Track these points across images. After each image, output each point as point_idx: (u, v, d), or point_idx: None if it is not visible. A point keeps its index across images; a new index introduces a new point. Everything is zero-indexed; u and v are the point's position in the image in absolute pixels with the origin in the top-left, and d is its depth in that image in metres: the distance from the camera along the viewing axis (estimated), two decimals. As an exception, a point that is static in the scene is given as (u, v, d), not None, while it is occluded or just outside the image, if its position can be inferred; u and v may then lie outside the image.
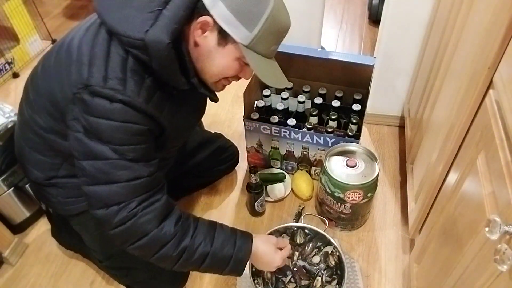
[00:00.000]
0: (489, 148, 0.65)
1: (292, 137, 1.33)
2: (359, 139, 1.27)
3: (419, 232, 1.11)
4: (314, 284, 1.12)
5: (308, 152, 1.37)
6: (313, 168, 1.44)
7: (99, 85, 0.76)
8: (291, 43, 1.38)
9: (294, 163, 1.45)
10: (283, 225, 1.17)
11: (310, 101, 1.37)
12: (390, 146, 1.62)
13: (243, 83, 1.11)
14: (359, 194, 1.18)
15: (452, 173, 0.87)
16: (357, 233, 1.33)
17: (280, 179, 1.45)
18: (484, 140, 0.68)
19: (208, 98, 1.04)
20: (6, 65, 1.98)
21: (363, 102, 1.35)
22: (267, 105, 1.43)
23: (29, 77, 0.97)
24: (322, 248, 1.18)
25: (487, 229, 0.54)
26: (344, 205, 1.22)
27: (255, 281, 1.09)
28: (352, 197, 1.19)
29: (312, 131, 1.28)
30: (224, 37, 0.80)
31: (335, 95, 1.37)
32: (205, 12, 0.78)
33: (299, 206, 1.40)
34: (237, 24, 0.77)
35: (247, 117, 1.35)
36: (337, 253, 1.13)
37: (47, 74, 0.90)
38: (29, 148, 0.99)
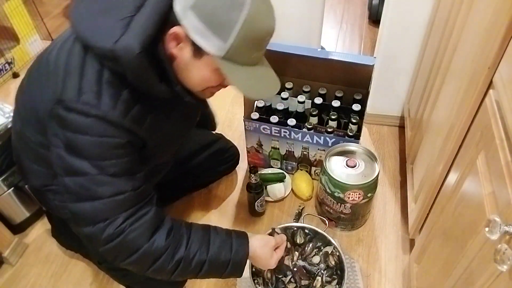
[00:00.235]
0: (489, 148, 0.65)
1: (292, 137, 1.33)
2: (359, 139, 1.27)
3: (419, 232, 1.11)
4: (314, 284, 1.12)
5: (308, 152, 1.37)
6: (313, 168, 1.43)
7: (73, 100, 0.74)
8: (291, 43, 1.38)
9: (294, 163, 1.45)
10: (283, 225, 1.17)
11: (310, 101, 1.37)
12: (390, 146, 1.62)
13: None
14: (359, 194, 1.18)
15: (452, 173, 0.87)
16: (357, 233, 1.33)
17: (280, 179, 1.45)
18: (484, 140, 0.68)
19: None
20: (6, 65, 1.98)
21: (363, 102, 1.34)
22: (267, 105, 1.43)
23: (18, 89, 0.95)
24: (322, 248, 1.18)
25: (487, 229, 0.54)
26: (344, 205, 1.22)
27: (255, 281, 1.09)
28: (352, 197, 1.19)
29: (312, 131, 1.28)
30: (198, 48, 0.74)
31: (335, 95, 1.37)
32: (177, 22, 0.73)
33: (299, 206, 1.40)
34: (209, 35, 0.71)
35: (247, 117, 1.35)
36: (337, 253, 1.13)
37: (30, 87, 0.88)
38: (24, 157, 0.98)
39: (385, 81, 1.54)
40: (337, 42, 2.26)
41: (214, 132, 1.48)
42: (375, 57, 1.24)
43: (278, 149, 1.40)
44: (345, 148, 1.26)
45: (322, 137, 1.28)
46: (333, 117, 1.29)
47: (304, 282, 1.13)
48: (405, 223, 1.34)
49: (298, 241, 1.19)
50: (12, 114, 1.26)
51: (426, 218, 1.04)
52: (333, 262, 1.14)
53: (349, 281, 1.19)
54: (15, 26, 1.98)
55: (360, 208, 1.25)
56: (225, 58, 0.74)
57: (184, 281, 1.21)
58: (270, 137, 1.36)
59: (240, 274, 0.95)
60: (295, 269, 1.16)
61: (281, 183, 1.44)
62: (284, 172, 1.46)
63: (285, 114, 1.40)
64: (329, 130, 1.27)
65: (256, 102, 1.41)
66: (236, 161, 1.49)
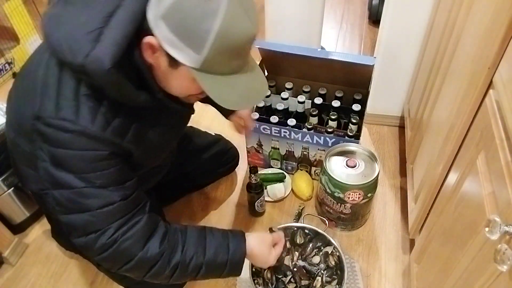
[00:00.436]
0: (489, 148, 0.65)
1: (292, 137, 1.33)
2: (359, 139, 1.27)
3: (419, 232, 1.11)
4: (314, 284, 1.12)
5: (308, 152, 1.37)
6: (313, 168, 1.43)
7: (50, 116, 0.72)
8: (291, 43, 1.38)
9: (294, 163, 1.45)
10: (283, 225, 1.17)
11: (310, 101, 1.37)
12: (390, 146, 1.62)
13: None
14: (359, 194, 1.18)
15: (452, 173, 0.87)
16: (357, 233, 1.33)
17: (280, 179, 1.45)
18: (484, 140, 0.68)
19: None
20: (6, 65, 1.98)
21: (363, 102, 1.34)
22: (267, 105, 1.43)
23: (7, 99, 0.93)
24: (322, 248, 1.18)
25: (487, 229, 0.54)
26: (344, 205, 1.22)
27: (255, 281, 1.09)
28: (352, 197, 1.19)
29: (312, 131, 1.28)
30: (173, 59, 0.70)
31: (335, 95, 1.37)
32: (151, 31, 0.68)
33: (299, 206, 1.40)
34: (182, 46, 0.67)
35: (247, 117, 1.35)
36: (337, 253, 1.13)
37: (15, 101, 0.87)
38: (20, 162, 0.97)
39: (385, 81, 1.54)
40: (337, 42, 2.26)
41: (213, 133, 1.48)
42: (375, 57, 1.24)
43: (278, 149, 1.41)
44: (345, 148, 1.26)
45: (322, 137, 1.28)
46: (333, 117, 1.29)
47: (304, 282, 1.13)
48: (405, 223, 1.34)
49: (298, 241, 1.19)
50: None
51: (426, 218, 1.04)
52: (333, 262, 1.14)
53: (349, 281, 1.19)
54: (15, 26, 1.97)
55: (360, 208, 1.25)
56: (201, 69, 0.69)
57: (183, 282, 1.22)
58: (270, 137, 1.37)
59: (239, 273, 0.95)
60: (295, 269, 1.16)
61: (281, 183, 1.44)
62: (284, 172, 1.46)
63: (285, 114, 1.40)
64: (329, 130, 1.27)
65: (256, 102, 1.41)
66: (236, 163, 1.49)
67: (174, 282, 0.89)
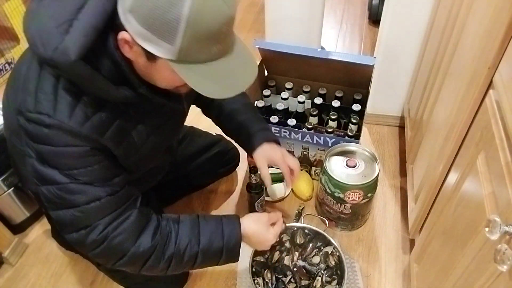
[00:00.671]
0: (489, 148, 0.65)
1: (292, 137, 1.33)
2: (359, 139, 1.27)
3: (419, 232, 1.11)
4: (314, 284, 1.12)
5: (308, 152, 1.37)
6: (313, 168, 1.43)
7: (29, 110, 0.72)
8: (291, 43, 1.38)
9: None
10: (283, 225, 1.17)
11: (310, 101, 1.37)
12: (390, 146, 1.62)
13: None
14: (359, 194, 1.18)
15: (452, 173, 0.87)
16: (357, 233, 1.33)
17: (280, 179, 1.44)
18: (484, 140, 0.68)
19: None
20: (6, 65, 1.99)
21: (363, 102, 1.35)
22: (267, 105, 1.43)
23: (2, 97, 0.92)
24: (322, 248, 1.18)
25: (487, 229, 0.54)
26: (344, 205, 1.22)
27: (255, 281, 1.09)
28: (352, 197, 1.19)
29: (312, 131, 1.28)
30: (150, 53, 0.67)
31: (335, 95, 1.37)
32: (123, 27, 0.67)
33: (299, 206, 1.40)
34: (155, 39, 0.64)
35: (247, 117, 1.35)
36: (337, 253, 1.13)
37: (6, 98, 0.87)
38: (18, 162, 0.97)
39: (385, 81, 1.54)
40: (337, 42, 2.26)
41: (214, 133, 1.48)
42: (375, 57, 1.24)
43: (278, 149, 1.40)
44: (345, 148, 1.26)
45: (322, 137, 1.28)
46: (333, 117, 1.29)
47: (304, 282, 1.13)
48: (405, 223, 1.34)
49: (298, 241, 1.19)
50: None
51: (426, 218, 1.04)
52: (333, 262, 1.14)
53: (349, 281, 1.19)
54: (15, 26, 1.98)
55: (360, 208, 1.25)
56: (179, 60, 0.67)
57: (183, 281, 1.22)
58: (270, 137, 1.36)
59: (237, 259, 0.94)
60: (295, 269, 1.16)
61: (281, 183, 1.44)
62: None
63: (285, 114, 1.40)
64: (329, 130, 1.27)
65: (256, 102, 1.41)
66: (236, 163, 1.49)
67: (172, 273, 0.89)
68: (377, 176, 1.19)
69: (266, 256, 1.17)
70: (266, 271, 1.14)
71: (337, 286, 1.10)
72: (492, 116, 0.66)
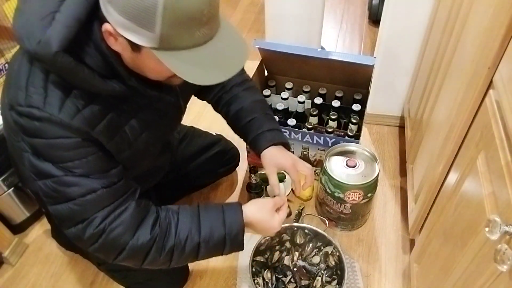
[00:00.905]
0: (489, 148, 0.65)
1: (292, 137, 1.33)
2: (359, 139, 1.27)
3: (419, 232, 1.11)
4: (314, 284, 1.12)
5: (308, 152, 1.37)
6: (313, 168, 1.43)
7: (20, 104, 0.72)
8: (291, 43, 1.38)
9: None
10: (283, 225, 1.17)
11: (310, 101, 1.37)
12: (390, 146, 1.62)
13: (243, 83, 1.11)
14: (359, 194, 1.18)
15: (452, 173, 0.87)
16: (357, 233, 1.33)
17: (280, 179, 1.44)
18: (484, 140, 0.68)
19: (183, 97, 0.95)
20: (6, 65, 1.98)
21: (363, 102, 1.35)
22: (267, 105, 1.43)
23: (1, 94, 0.91)
24: (322, 248, 1.18)
25: (487, 229, 0.54)
26: (344, 205, 1.22)
27: (255, 281, 1.09)
28: (352, 197, 1.19)
29: (312, 131, 1.28)
30: (133, 43, 0.67)
31: (335, 95, 1.37)
32: (106, 19, 0.66)
33: (299, 206, 1.39)
34: (135, 27, 0.64)
35: (247, 117, 1.35)
36: (337, 253, 1.13)
37: (4, 95, 0.86)
38: (18, 161, 0.97)
39: (385, 81, 1.54)
40: (337, 42, 2.26)
41: (214, 133, 1.48)
42: (375, 57, 1.24)
43: (278, 149, 1.40)
44: (345, 148, 1.26)
45: (322, 137, 1.28)
46: (333, 117, 1.29)
47: (304, 282, 1.13)
48: (405, 223, 1.34)
49: (298, 241, 1.19)
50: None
51: (426, 218, 1.04)
52: (333, 262, 1.14)
53: (349, 281, 1.19)
54: (15, 26, 1.98)
55: (360, 208, 1.25)
56: (162, 47, 0.65)
57: (183, 281, 1.22)
58: (270, 137, 1.36)
59: (241, 247, 0.91)
60: (295, 269, 1.16)
61: (281, 183, 1.44)
62: (284, 172, 1.46)
63: (285, 114, 1.40)
64: (329, 130, 1.27)
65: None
66: (236, 163, 1.49)
67: (177, 265, 0.88)
68: (377, 176, 1.19)
69: (266, 256, 1.17)
70: (266, 271, 1.14)
71: (337, 286, 1.10)
72: (492, 116, 0.66)
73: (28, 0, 0.70)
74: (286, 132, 1.32)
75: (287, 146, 1.07)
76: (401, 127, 1.66)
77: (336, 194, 1.20)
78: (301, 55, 1.30)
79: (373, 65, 1.24)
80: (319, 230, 1.17)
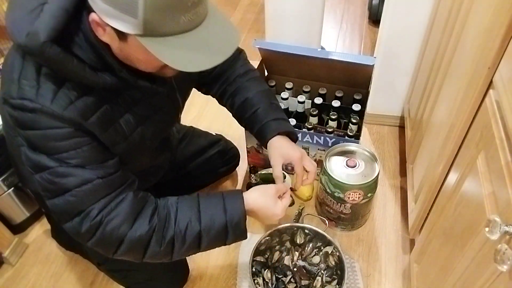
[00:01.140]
0: (489, 148, 0.65)
1: (292, 137, 1.33)
2: (359, 139, 1.27)
3: (419, 232, 1.11)
4: (314, 284, 1.12)
5: (308, 152, 1.37)
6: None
7: (12, 97, 0.72)
8: (291, 43, 1.38)
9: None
10: (283, 225, 1.17)
11: (310, 101, 1.37)
12: (390, 146, 1.62)
13: (243, 83, 1.10)
14: (359, 194, 1.18)
15: (452, 173, 0.87)
16: (357, 233, 1.33)
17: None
18: (484, 140, 0.68)
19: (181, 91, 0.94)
20: (6, 65, 1.98)
21: (363, 102, 1.34)
22: (267, 105, 1.43)
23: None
24: (322, 248, 1.18)
25: (487, 229, 0.54)
26: (344, 205, 1.22)
27: (255, 281, 1.09)
28: (352, 197, 1.19)
29: (312, 131, 1.28)
30: (119, 31, 0.66)
31: (335, 95, 1.37)
32: (92, 9, 0.66)
33: (299, 206, 1.39)
34: (119, 14, 0.63)
35: (247, 117, 1.34)
36: (337, 253, 1.13)
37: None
38: (17, 161, 0.96)
39: (385, 81, 1.54)
40: (337, 42, 2.26)
41: (214, 133, 1.48)
42: (375, 57, 1.24)
43: (278, 149, 1.40)
44: (345, 148, 1.26)
45: (322, 137, 1.28)
46: (333, 117, 1.29)
47: (304, 282, 1.13)
48: (405, 223, 1.34)
49: (298, 241, 1.19)
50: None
51: (426, 218, 1.04)
52: (333, 262, 1.14)
53: (349, 281, 1.19)
54: (15, 26, 1.97)
55: (360, 208, 1.25)
56: (147, 34, 0.64)
57: (184, 281, 1.22)
58: (270, 137, 1.36)
59: (244, 236, 0.89)
60: (295, 269, 1.16)
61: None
62: (284, 172, 1.46)
63: (285, 114, 1.40)
64: (329, 130, 1.27)
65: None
66: (236, 163, 1.49)
67: (180, 257, 0.86)
68: (377, 176, 1.19)
69: (266, 256, 1.17)
70: (266, 271, 1.14)
71: (337, 286, 1.10)
72: (492, 116, 0.66)
73: None
74: (286, 132, 1.32)
75: (293, 136, 1.05)
76: (401, 127, 1.66)
77: (336, 194, 1.20)
78: (301, 55, 1.30)
79: (373, 65, 1.24)
80: (319, 230, 1.17)
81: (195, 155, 1.38)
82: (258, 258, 1.14)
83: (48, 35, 0.66)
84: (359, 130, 1.30)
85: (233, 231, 0.86)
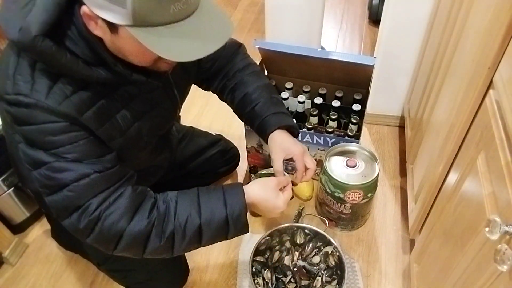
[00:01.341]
0: (489, 148, 0.65)
1: (292, 137, 1.33)
2: (359, 139, 1.27)
3: (419, 232, 1.11)
4: (314, 284, 1.12)
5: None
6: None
7: (7, 93, 0.72)
8: (291, 43, 1.38)
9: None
10: (283, 225, 1.17)
11: (310, 101, 1.37)
12: (390, 146, 1.62)
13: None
14: (359, 194, 1.18)
15: (452, 173, 0.87)
16: (357, 233, 1.33)
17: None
18: (484, 140, 0.68)
19: (176, 88, 0.93)
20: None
21: (363, 102, 1.34)
22: (267, 105, 1.43)
23: None
24: (322, 248, 1.18)
25: (487, 229, 0.54)
26: (344, 205, 1.22)
27: (255, 281, 1.09)
28: (352, 197, 1.19)
29: (312, 131, 1.28)
30: (110, 23, 0.66)
31: (335, 95, 1.37)
32: (83, 2, 0.66)
33: (299, 206, 1.39)
34: (108, 4, 0.62)
35: (247, 117, 1.34)
36: (337, 253, 1.13)
37: None
38: (17, 160, 0.96)
39: (385, 81, 1.54)
40: (337, 42, 2.26)
41: (214, 133, 1.48)
42: (375, 57, 1.24)
43: (278, 149, 1.40)
44: (345, 148, 1.26)
45: (322, 137, 1.28)
46: (333, 117, 1.29)
47: (304, 282, 1.13)
48: (405, 223, 1.34)
49: (298, 241, 1.19)
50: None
51: (426, 218, 1.04)
52: (333, 262, 1.14)
53: (349, 281, 1.19)
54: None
55: (360, 208, 1.25)
56: (136, 24, 0.64)
57: (184, 281, 1.22)
58: (270, 137, 1.36)
59: (246, 230, 0.88)
60: (295, 269, 1.16)
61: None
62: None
63: (285, 114, 1.40)
64: (329, 130, 1.27)
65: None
66: (236, 163, 1.49)
67: (181, 252, 0.85)
68: (377, 176, 1.19)
69: (266, 256, 1.17)
70: (266, 271, 1.14)
71: (337, 286, 1.10)
72: (492, 116, 0.66)
73: None
74: (286, 132, 1.31)
75: (294, 131, 1.04)
76: (401, 127, 1.66)
77: (336, 194, 1.20)
78: (301, 55, 1.30)
79: (373, 65, 1.24)
80: (319, 230, 1.17)
81: (195, 155, 1.38)
82: (258, 258, 1.14)
83: (39, 29, 0.65)
84: (359, 130, 1.30)
85: (234, 225, 0.85)
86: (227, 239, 0.88)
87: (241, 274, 1.23)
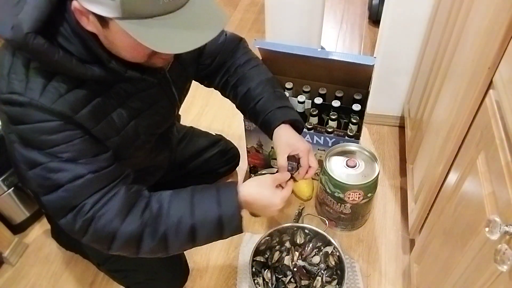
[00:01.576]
0: (489, 148, 0.65)
1: (292, 137, 1.32)
2: (359, 139, 1.27)
3: (419, 232, 1.11)
4: (314, 284, 1.12)
5: (308, 152, 1.37)
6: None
7: (2, 92, 0.72)
8: (291, 43, 1.38)
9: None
10: (283, 225, 1.17)
11: (310, 101, 1.37)
12: (390, 146, 1.62)
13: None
14: (359, 194, 1.18)
15: (452, 173, 0.87)
16: (357, 233, 1.33)
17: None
18: (484, 140, 0.68)
19: (174, 85, 0.92)
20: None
21: (363, 102, 1.34)
22: (267, 105, 1.43)
23: None
24: (322, 248, 1.18)
25: (487, 229, 0.54)
26: (344, 205, 1.22)
27: (255, 281, 1.09)
28: (352, 197, 1.19)
29: (312, 131, 1.28)
30: (100, 17, 0.65)
31: (335, 95, 1.37)
32: None
33: (299, 206, 1.39)
34: None
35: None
36: (337, 253, 1.13)
37: None
38: (16, 160, 0.97)
39: (385, 81, 1.54)
40: (337, 42, 2.26)
41: (214, 133, 1.48)
42: (375, 57, 1.24)
43: (278, 149, 1.40)
44: (345, 148, 1.26)
45: (322, 137, 1.28)
46: (333, 117, 1.29)
47: (304, 282, 1.13)
48: (405, 223, 1.34)
49: (298, 241, 1.19)
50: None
51: (426, 218, 1.04)
52: (333, 262, 1.14)
53: (349, 281, 1.19)
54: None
55: (360, 208, 1.25)
56: (127, 16, 0.63)
57: (183, 281, 1.22)
58: (270, 137, 1.36)
59: (241, 230, 0.85)
60: (295, 269, 1.16)
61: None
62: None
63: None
64: (329, 130, 1.27)
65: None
66: (236, 163, 1.49)
67: (176, 252, 0.85)
68: (377, 176, 1.19)
69: (266, 256, 1.17)
70: (266, 271, 1.14)
71: (337, 286, 1.10)
72: (492, 116, 0.66)
73: None
74: (286, 132, 1.31)
75: (299, 125, 1.02)
76: (401, 127, 1.66)
77: (336, 194, 1.20)
78: (301, 55, 1.30)
79: (373, 65, 1.24)
80: (319, 230, 1.17)
81: (195, 155, 1.38)
82: (258, 258, 1.14)
83: (31, 26, 0.65)
84: (359, 130, 1.30)
85: (229, 225, 0.84)
86: (223, 239, 0.87)
87: (241, 274, 1.23)
